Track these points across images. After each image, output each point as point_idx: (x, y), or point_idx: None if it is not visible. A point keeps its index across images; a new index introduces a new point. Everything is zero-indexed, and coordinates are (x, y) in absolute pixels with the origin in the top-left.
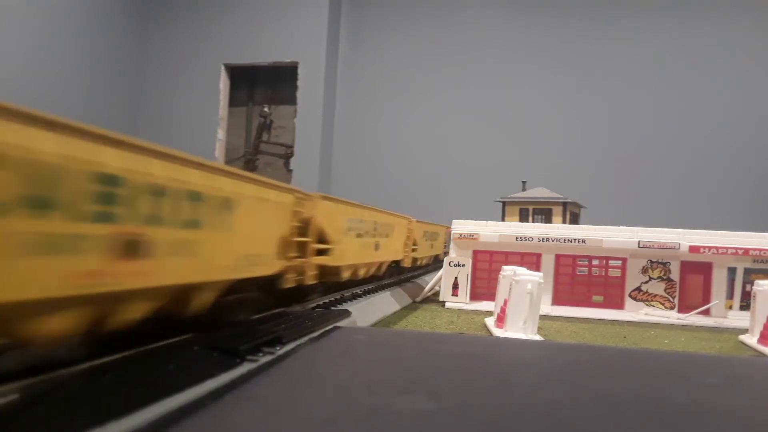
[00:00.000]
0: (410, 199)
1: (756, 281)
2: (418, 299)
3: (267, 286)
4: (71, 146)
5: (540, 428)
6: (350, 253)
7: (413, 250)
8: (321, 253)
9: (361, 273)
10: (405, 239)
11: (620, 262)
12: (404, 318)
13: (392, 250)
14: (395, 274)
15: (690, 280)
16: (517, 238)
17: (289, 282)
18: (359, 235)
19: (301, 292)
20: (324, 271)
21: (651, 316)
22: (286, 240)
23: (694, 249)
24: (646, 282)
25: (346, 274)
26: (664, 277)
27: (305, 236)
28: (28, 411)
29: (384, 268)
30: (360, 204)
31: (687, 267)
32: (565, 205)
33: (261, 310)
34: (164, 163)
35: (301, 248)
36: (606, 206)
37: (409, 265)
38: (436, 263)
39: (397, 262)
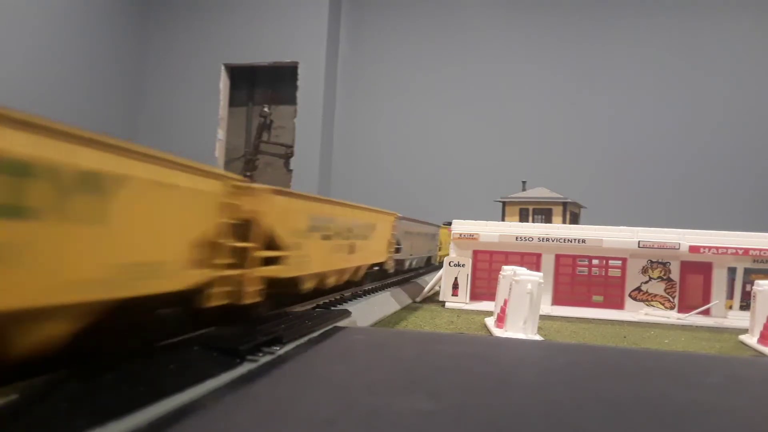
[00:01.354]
0: (410, 199)
1: (756, 281)
2: (418, 299)
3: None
4: None
5: (540, 428)
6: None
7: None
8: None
9: None
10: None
11: (620, 262)
12: (404, 318)
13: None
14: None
15: (690, 280)
16: (517, 238)
17: (216, 298)
18: None
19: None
20: (276, 283)
21: (651, 316)
22: (209, 242)
23: (694, 249)
24: (646, 282)
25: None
26: (664, 277)
27: (246, 240)
28: (28, 411)
29: None
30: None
31: (687, 267)
32: (565, 205)
33: (174, 334)
34: None
35: (240, 255)
36: (606, 206)
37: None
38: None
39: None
